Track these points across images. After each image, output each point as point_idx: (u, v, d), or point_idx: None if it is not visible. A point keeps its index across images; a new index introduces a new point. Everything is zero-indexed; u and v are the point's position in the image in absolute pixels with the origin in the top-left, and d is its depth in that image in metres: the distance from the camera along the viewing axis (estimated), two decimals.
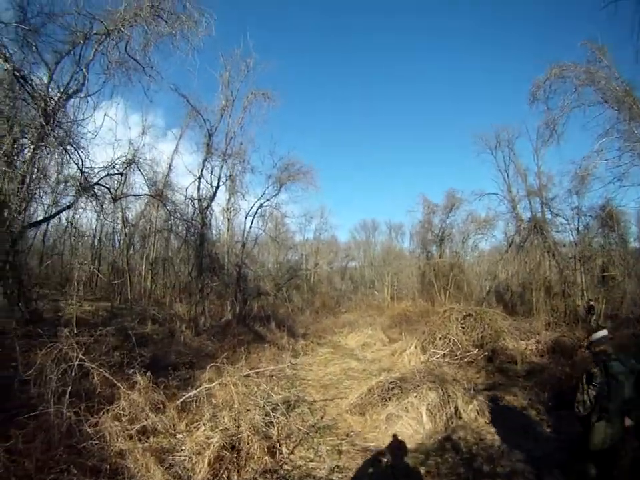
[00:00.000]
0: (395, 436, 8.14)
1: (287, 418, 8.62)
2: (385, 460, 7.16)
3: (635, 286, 24.64)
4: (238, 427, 6.81)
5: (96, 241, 28.92)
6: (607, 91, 18.11)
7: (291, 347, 17.76)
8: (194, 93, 21.82)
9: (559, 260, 27.67)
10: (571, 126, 20.58)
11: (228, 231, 25.97)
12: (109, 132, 15.55)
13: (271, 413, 7.78)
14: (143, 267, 27.14)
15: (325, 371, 14.48)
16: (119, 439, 5.88)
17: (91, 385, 7.02)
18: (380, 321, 26.09)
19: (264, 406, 7.97)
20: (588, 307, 23.30)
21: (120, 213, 23.43)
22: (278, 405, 8.76)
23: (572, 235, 29.36)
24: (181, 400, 7.61)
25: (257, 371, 10.24)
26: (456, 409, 8.95)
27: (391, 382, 9.79)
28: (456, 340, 15.20)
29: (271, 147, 29.47)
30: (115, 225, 26.69)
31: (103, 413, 6.37)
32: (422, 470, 6.70)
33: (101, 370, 7.11)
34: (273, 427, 7.53)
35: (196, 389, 7.95)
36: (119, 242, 28.20)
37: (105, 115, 14.06)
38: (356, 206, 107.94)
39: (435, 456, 7.25)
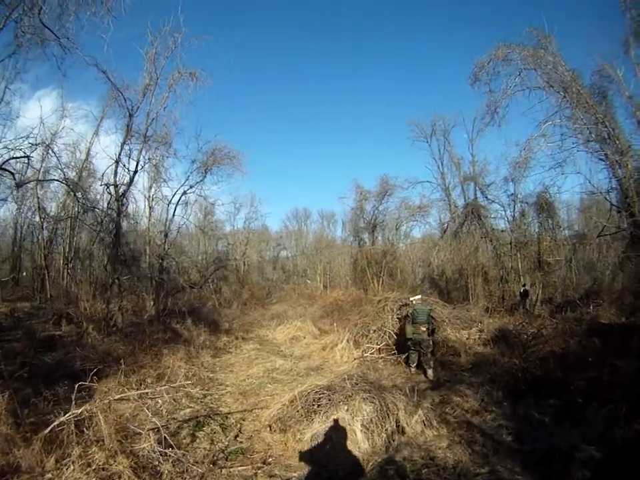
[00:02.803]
0: (323, 462, 6.48)
1: (192, 441, 7.04)
2: None
3: (567, 272, 26.62)
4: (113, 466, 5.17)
5: (18, 235, 27.73)
6: (553, 75, 18.10)
7: (211, 344, 16.12)
8: (117, 72, 19.63)
9: (497, 246, 28.52)
10: (511, 111, 20.56)
11: (149, 220, 24.37)
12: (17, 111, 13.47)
13: (168, 439, 6.16)
14: (61, 261, 25.42)
15: (247, 373, 12.68)
16: None
17: None
18: (311, 311, 24.93)
19: (157, 429, 6.35)
20: (522, 292, 24.02)
21: (36, 203, 22.00)
22: (183, 424, 7.37)
23: (507, 222, 29.65)
24: (49, 429, 5.84)
25: (130, 394, 8.07)
26: (397, 422, 7.33)
27: (316, 391, 8.14)
28: (392, 332, 14.03)
29: (197, 130, 27.78)
30: (32, 216, 25.44)
31: None
32: None
33: None
34: (168, 459, 5.89)
35: (64, 415, 6.11)
36: (37, 236, 26.59)
37: (5, 87, 12.22)
38: (289, 195, 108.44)
39: None
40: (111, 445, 5.62)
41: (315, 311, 25.02)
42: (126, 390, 7.67)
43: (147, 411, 7.07)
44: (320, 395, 8.03)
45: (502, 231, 29.86)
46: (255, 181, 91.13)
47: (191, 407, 8.96)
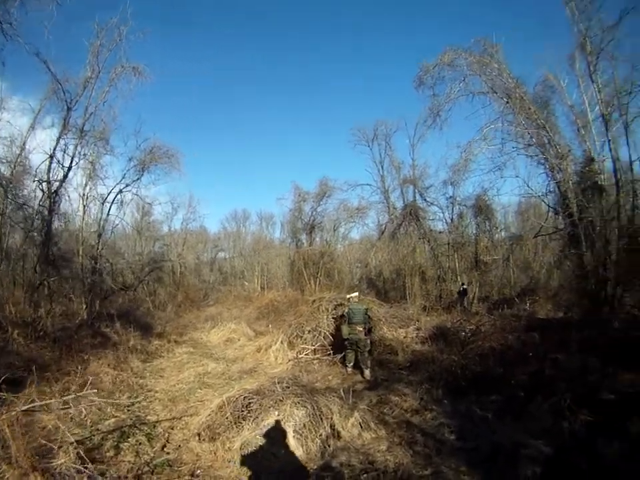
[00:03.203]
0: (254, 472, 6.11)
1: (116, 454, 6.47)
2: None
3: (504, 271, 27.79)
4: None
5: None
6: (497, 82, 18.23)
7: (142, 348, 15.43)
8: (61, 65, 18.50)
9: (434, 246, 29.21)
10: (454, 115, 20.65)
11: (83, 219, 23.35)
12: None
13: (82, 454, 5.63)
14: None
15: (178, 378, 12.04)
16: None
17: None
18: (246, 312, 24.89)
19: (75, 443, 5.83)
20: (461, 291, 24.71)
21: None
22: (107, 436, 6.85)
23: (445, 224, 30.31)
24: None
25: (40, 404, 7.38)
26: (332, 426, 6.95)
27: (245, 396, 7.65)
28: (327, 333, 13.75)
29: (136, 128, 26.69)
30: None
31: None
32: None
33: None
34: (84, 476, 5.35)
35: None
36: None
37: None
38: (228, 196, 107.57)
39: None
40: (22, 462, 5.10)
41: (250, 312, 24.93)
42: (37, 400, 6.93)
43: (59, 423, 6.44)
44: (249, 400, 7.59)
45: (440, 232, 30.36)
46: (194, 181, 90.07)
47: (116, 417, 8.31)
